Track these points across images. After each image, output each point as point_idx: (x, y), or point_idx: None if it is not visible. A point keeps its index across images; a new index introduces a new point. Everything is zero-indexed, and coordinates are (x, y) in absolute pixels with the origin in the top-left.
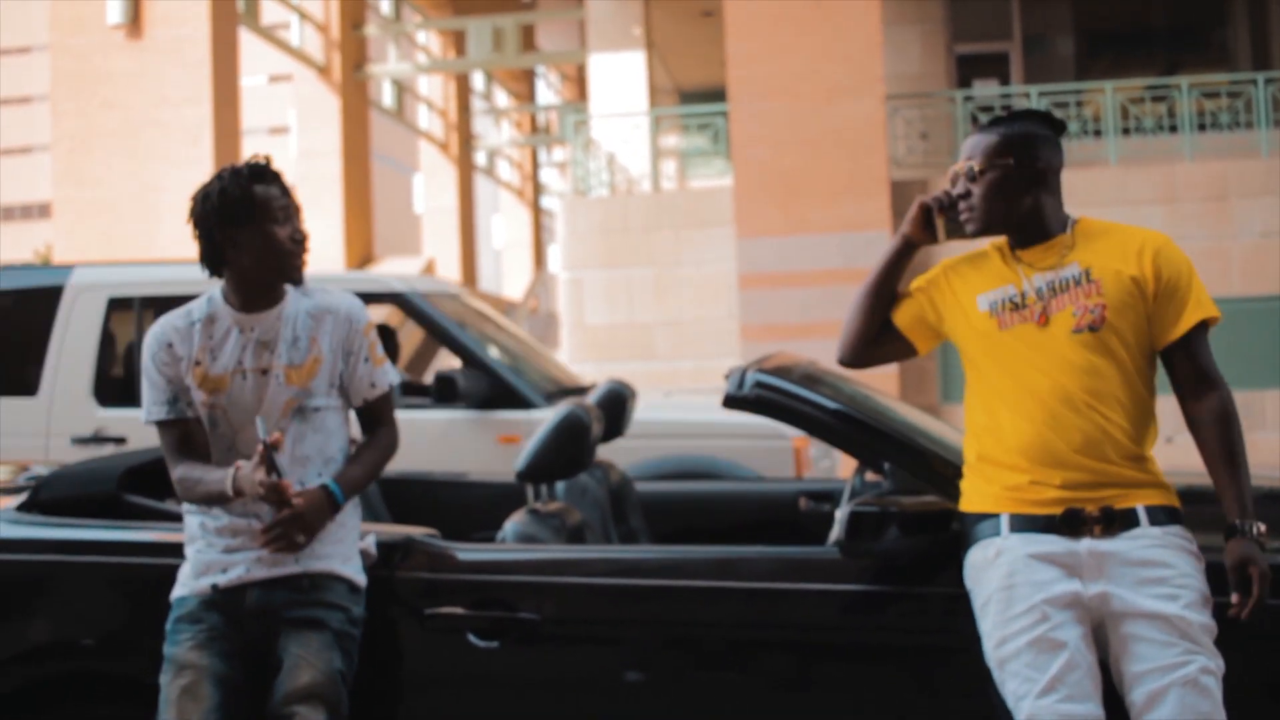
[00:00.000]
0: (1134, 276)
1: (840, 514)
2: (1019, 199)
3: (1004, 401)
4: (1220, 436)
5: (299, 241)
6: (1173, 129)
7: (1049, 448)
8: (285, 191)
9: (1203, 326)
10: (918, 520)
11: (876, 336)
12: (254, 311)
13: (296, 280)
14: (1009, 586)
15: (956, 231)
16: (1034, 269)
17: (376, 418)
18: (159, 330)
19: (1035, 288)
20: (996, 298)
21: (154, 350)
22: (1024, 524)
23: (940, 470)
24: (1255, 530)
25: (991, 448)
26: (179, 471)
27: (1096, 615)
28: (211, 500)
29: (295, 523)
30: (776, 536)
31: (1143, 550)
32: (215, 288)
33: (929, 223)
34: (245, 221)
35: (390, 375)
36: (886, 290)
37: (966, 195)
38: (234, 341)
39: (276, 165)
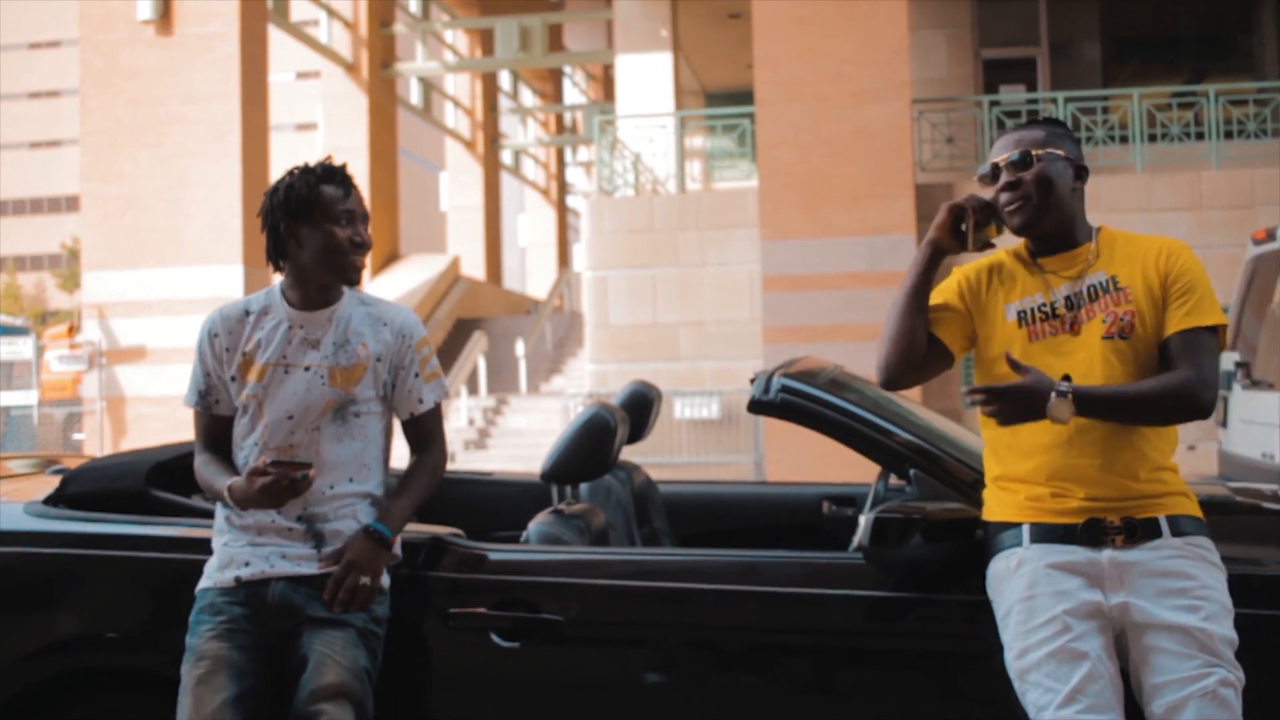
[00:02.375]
0: (1151, 282)
1: (864, 519)
2: (1068, 190)
3: None
4: None
5: (358, 245)
6: (1199, 136)
7: (1073, 461)
8: (352, 196)
9: (1210, 332)
10: (942, 527)
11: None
12: (308, 309)
13: (352, 281)
14: (1030, 597)
15: (986, 238)
16: (1059, 277)
17: (424, 433)
18: (210, 319)
19: (1063, 297)
20: (1025, 307)
21: (201, 338)
22: (1045, 534)
23: (964, 477)
24: None
25: (1013, 461)
26: (198, 461)
27: (1118, 625)
28: (220, 499)
29: (351, 573)
30: (799, 539)
31: (1164, 561)
32: (277, 283)
33: (957, 228)
34: (307, 218)
35: (440, 391)
36: (923, 303)
37: (1015, 185)
38: (281, 335)
39: (350, 171)
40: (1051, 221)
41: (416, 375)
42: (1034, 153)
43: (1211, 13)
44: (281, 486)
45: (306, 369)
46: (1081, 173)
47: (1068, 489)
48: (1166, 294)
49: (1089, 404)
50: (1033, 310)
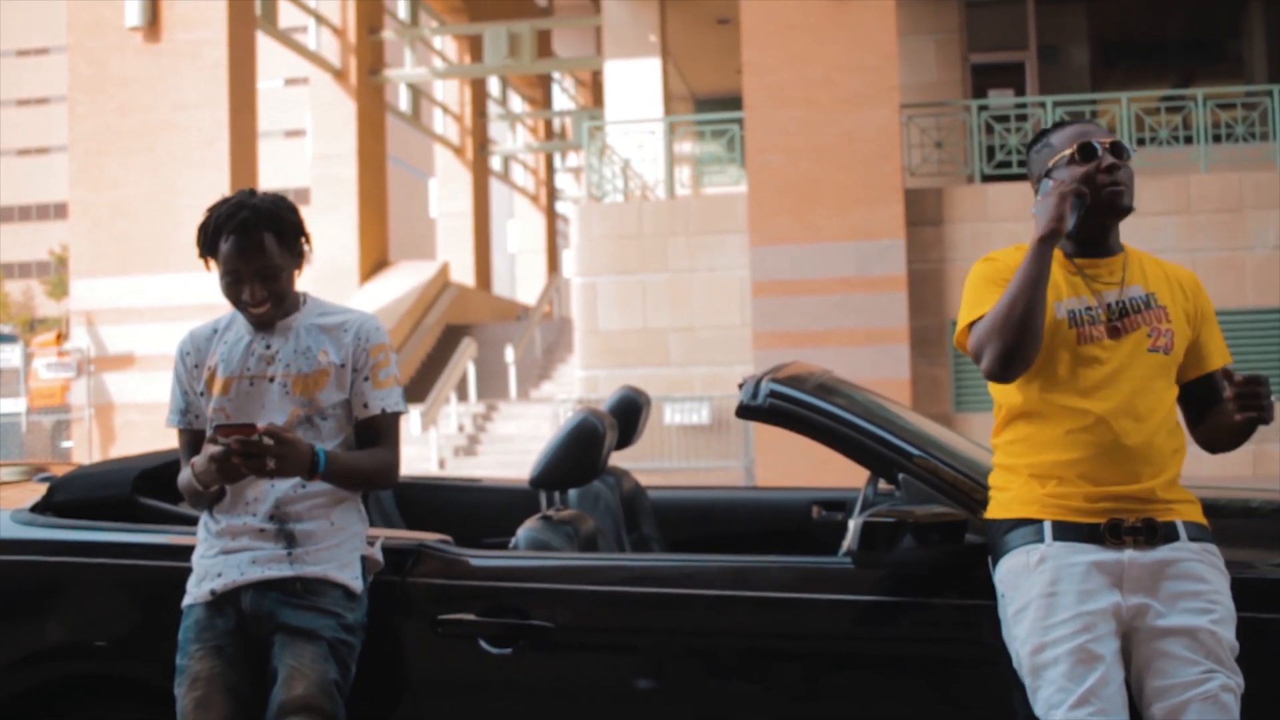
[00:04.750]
0: (1187, 310)
1: (853, 524)
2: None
3: (1064, 411)
4: None
5: (259, 299)
6: (1188, 140)
7: (1106, 461)
8: (249, 253)
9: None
10: (931, 531)
11: None
12: (266, 321)
13: (258, 326)
14: (1052, 594)
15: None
16: (1101, 284)
17: (371, 440)
18: (183, 340)
19: (1106, 303)
20: (1074, 308)
21: (176, 360)
22: (1068, 532)
23: (954, 481)
24: None
25: (1041, 454)
26: (180, 477)
27: (1128, 627)
28: (197, 498)
29: (278, 445)
30: (789, 544)
31: (1182, 564)
32: None
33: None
34: (215, 259)
35: (389, 401)
36: (1044, 297)
37: (1117, 168)
38: (242, 348)
39: (257, 208)
40: (1119, 219)
41: (366, 379)
42: (1129, 146)
43: (1199, 17)
44: (227, 454)
45: (270, 380)
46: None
47: (1094, 486)
48: (1198, 327)
49: None
50: (1081, 312)
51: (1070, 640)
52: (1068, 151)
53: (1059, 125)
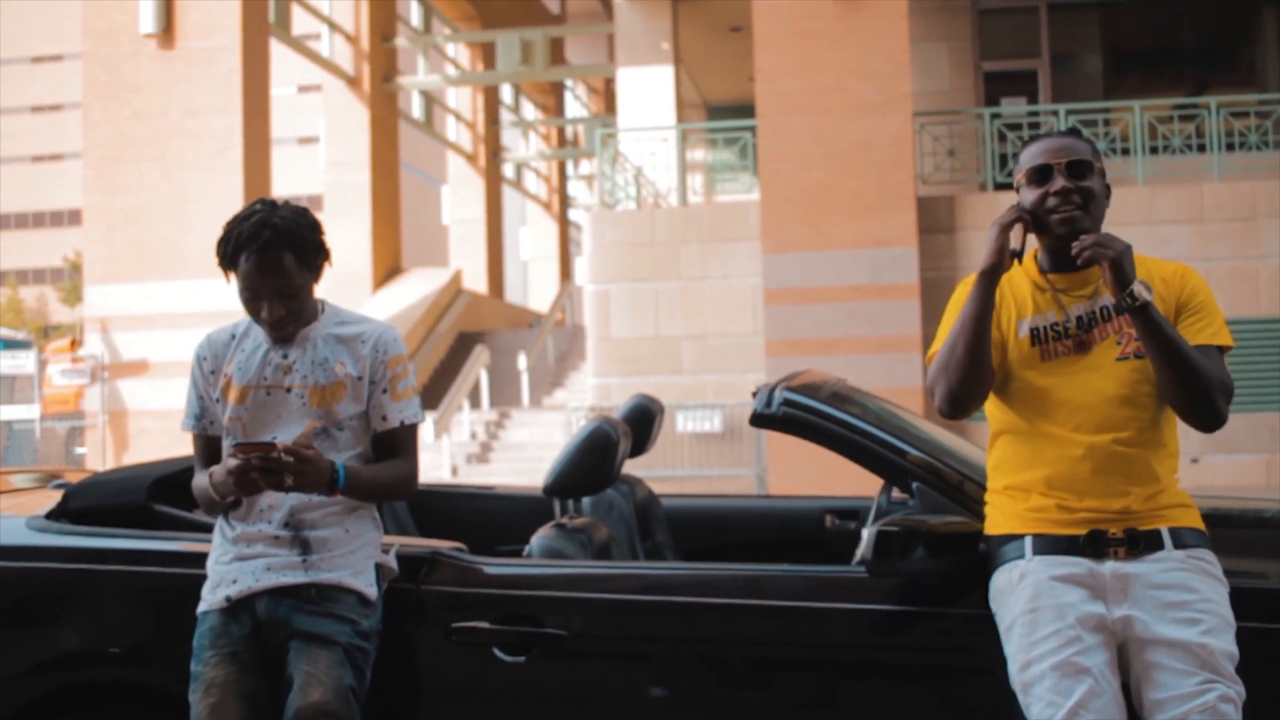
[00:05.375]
0: (1166, 304)
1: (867, 533)
2: (1104, 208)
3: (1037, 429)
4: None
5: (277, 317)
6: (1201, 148)
7: (1081, 474)
8: (267, 271)
9: (1222, 352)
10: (944, 541)
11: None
12: (285, 336)
13: (276, 341)
14: (1033, 610)
15: (1024, 248)
16: (1071, 297)
17: (389, 451)
18: (200, 344)
19: (1075, 316)
20: (1038, 325)
21: (193, 364)
22: (1048, 546)
23: (967, 490)
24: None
25: (1019, 473)
26: (195, 481)
27: (1120, 638)
28: (213, 506)
29: (298, 463)
30: (802, 553)
31: (1165, 573)
32: None
33: (1006, 245)
34: (235, 273)
35: (407, 413)
36: (988, 329)
37: (1068, 191)
38: (260, 358)
39: (278, 228)
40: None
41: (385, 392)
42: (1095, 165)
43: (1213, 25)
44: (246, 469)
45: (288, 390)
46: (1109, 192)
47: (1073, 499)
48: (1179, 314)
49: (1154, 319)
50: (1046, 329)
51: (1054, 655)
52: (1022, 175)
53: (1034, 139)
